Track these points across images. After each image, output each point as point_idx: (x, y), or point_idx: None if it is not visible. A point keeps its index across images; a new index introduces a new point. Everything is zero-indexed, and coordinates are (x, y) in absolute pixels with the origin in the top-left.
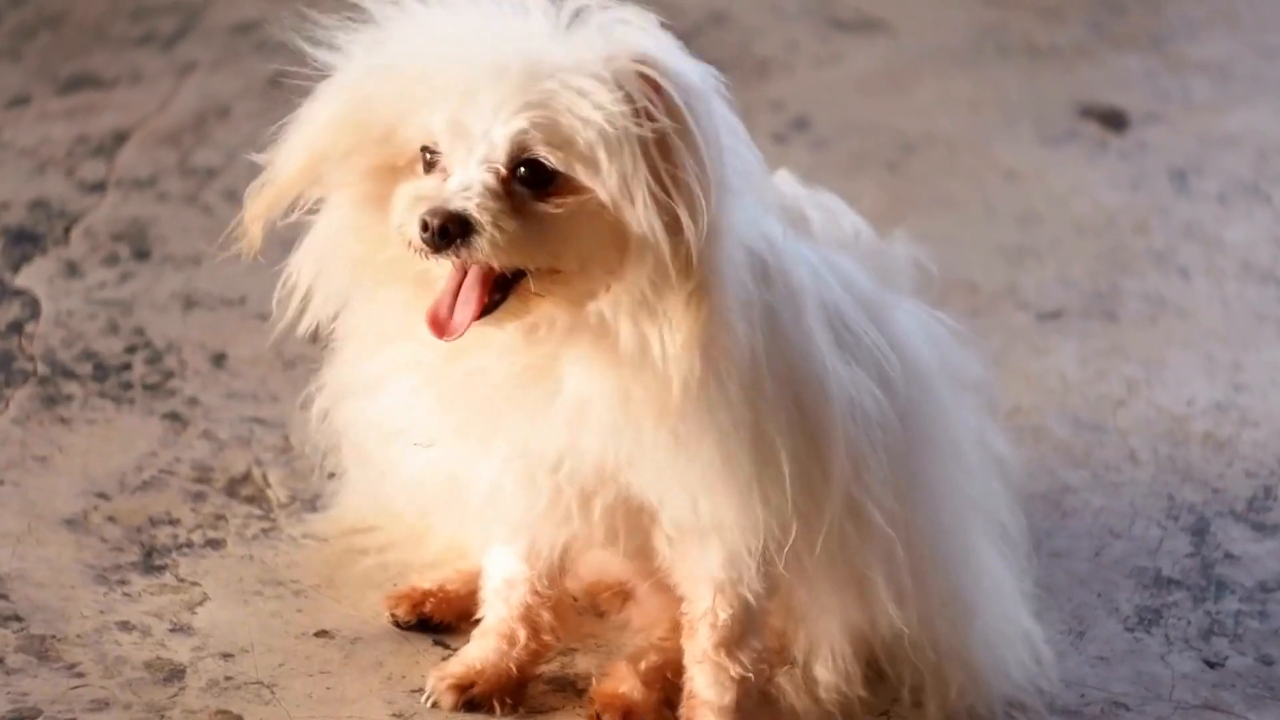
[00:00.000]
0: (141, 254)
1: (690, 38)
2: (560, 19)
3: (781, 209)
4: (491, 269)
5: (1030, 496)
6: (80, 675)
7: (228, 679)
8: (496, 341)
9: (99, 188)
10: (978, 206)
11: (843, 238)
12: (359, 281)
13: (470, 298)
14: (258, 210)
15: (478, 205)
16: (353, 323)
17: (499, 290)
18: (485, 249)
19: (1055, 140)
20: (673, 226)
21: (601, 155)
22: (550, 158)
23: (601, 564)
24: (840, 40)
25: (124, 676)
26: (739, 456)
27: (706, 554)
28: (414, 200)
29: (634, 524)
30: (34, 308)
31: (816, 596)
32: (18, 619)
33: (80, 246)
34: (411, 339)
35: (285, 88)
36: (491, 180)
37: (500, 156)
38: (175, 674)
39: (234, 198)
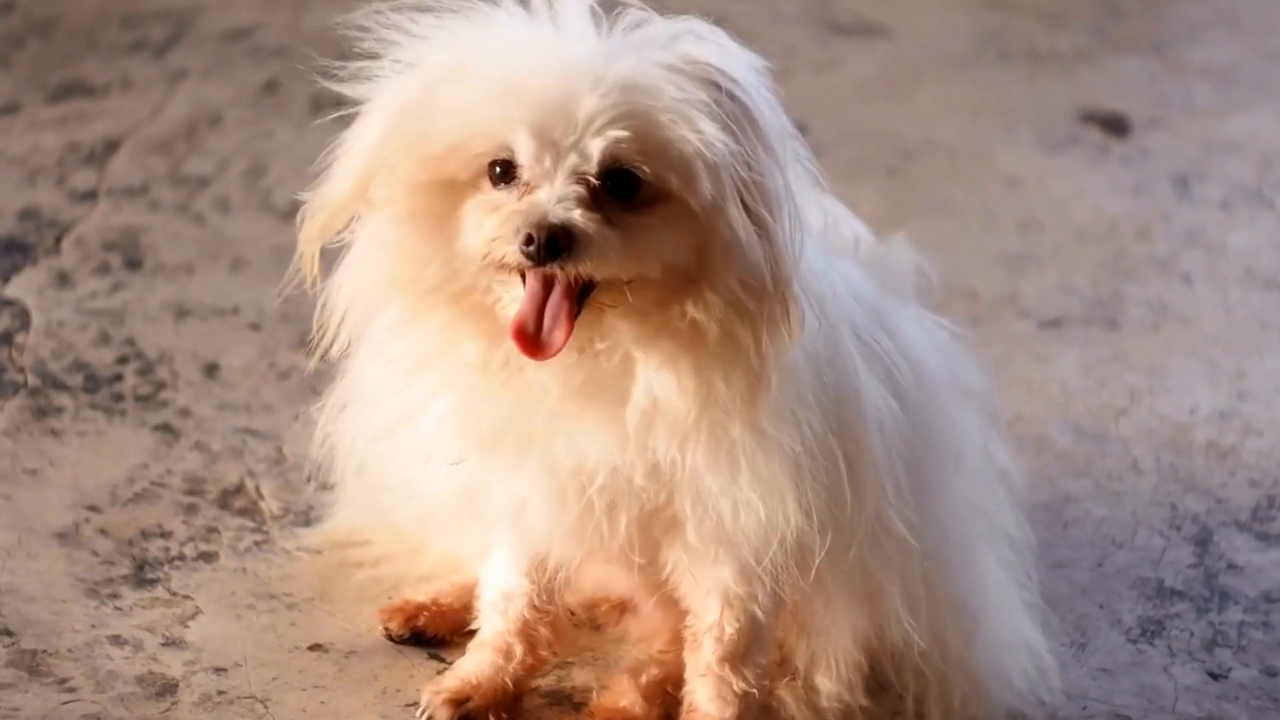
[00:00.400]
0: (133, 263)
1: None
2: (624, 30)
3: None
4: (575, 281)
5: (1032, 506)
6: (71, 690)
7: (220, 693)
8: (555, 358)
9: (90, 197)
10: (978, 213)
11: (843, 244)
12: (398, 302)
13: (560, 312)
14: (313, 233)
15: (579, 217)
16: (390, 350)
17: (576, 303)
18: (593, 260)
19: (1056, 146)
20: (761, 233)
21: (699, 166)
22: (646, 168)
23: (605, 578)
24: (839, 45)
25: (116, 691)
26: (793, 468)
27: (720, 567)
28: (509, 214)
29: (649, 537)
30: (24, 318)
31: (831, 609)
32: (8, 633)
33: (71, 256)
34: (451, 361)
35: (279, 95)
36: (583, 192)
37: (592, 168)
38: (168, 689)
39: (226, 207)
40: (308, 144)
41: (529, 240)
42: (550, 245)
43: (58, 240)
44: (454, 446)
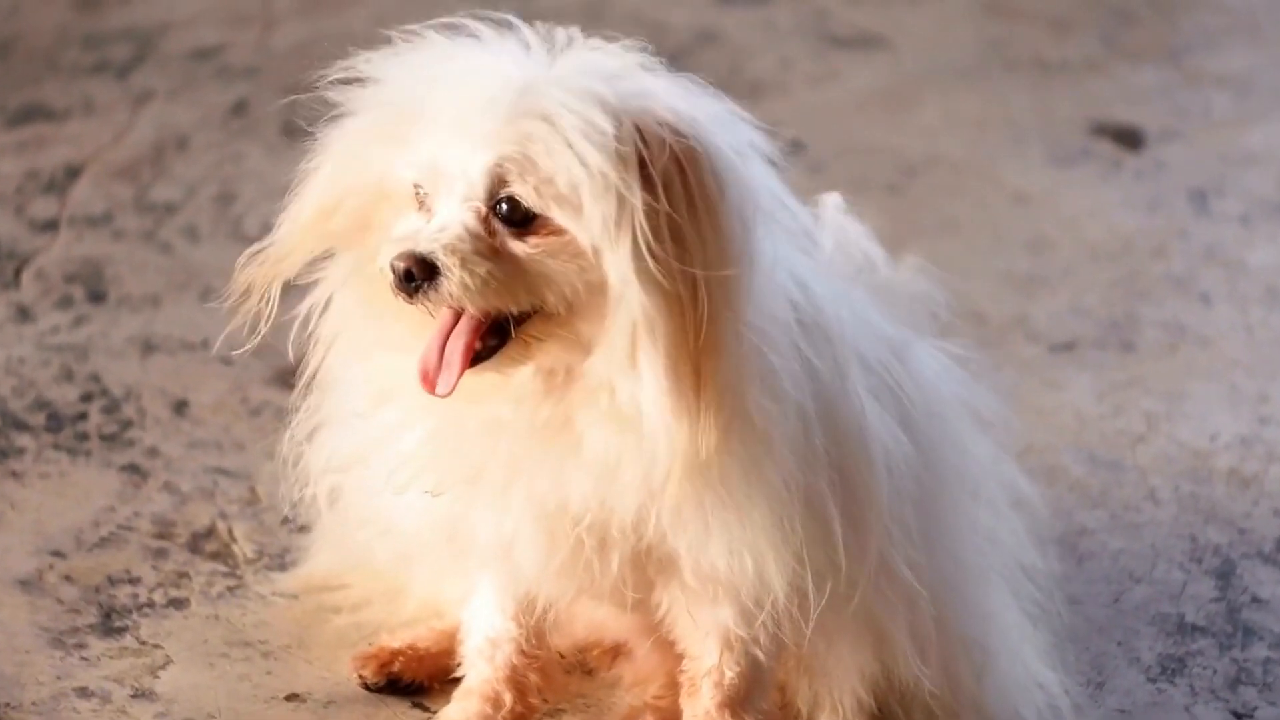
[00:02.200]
0: (96, 296)
1: (678, 58)
2: (556, 56)
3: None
4: (488, 313)
5: (1045, 539)
6: None
7: None
8: (514, 389)
9: (51, 226)
10: (985, 231)
11: (856, 267)
12: (364, 331)
13: (456, 347)
14: (257, 276)
15: (445, 246)
16: (354, 377)
17: (495, 335)
18: (454, 292)
19: (1066, 160)
20: (685, 286)
21: (584, 197)
22: (525, 196)
23: (597, 621)
24: (837, 58)
25: None
26: (789, 515)
27: (719, 608)
28: (392, 242)
29: (642, 577)
30: None
31: (834, 650)
32: None
33: (31, 289)
34: (415, 387)
35: (249, 116)
36: (471, 219)
37: (479, 193)
38: None
39: (194, 235)
40: (279, 168)
41: (394, 270)
42: (407, 275)
43: (17, 272)
44: (428, 477)
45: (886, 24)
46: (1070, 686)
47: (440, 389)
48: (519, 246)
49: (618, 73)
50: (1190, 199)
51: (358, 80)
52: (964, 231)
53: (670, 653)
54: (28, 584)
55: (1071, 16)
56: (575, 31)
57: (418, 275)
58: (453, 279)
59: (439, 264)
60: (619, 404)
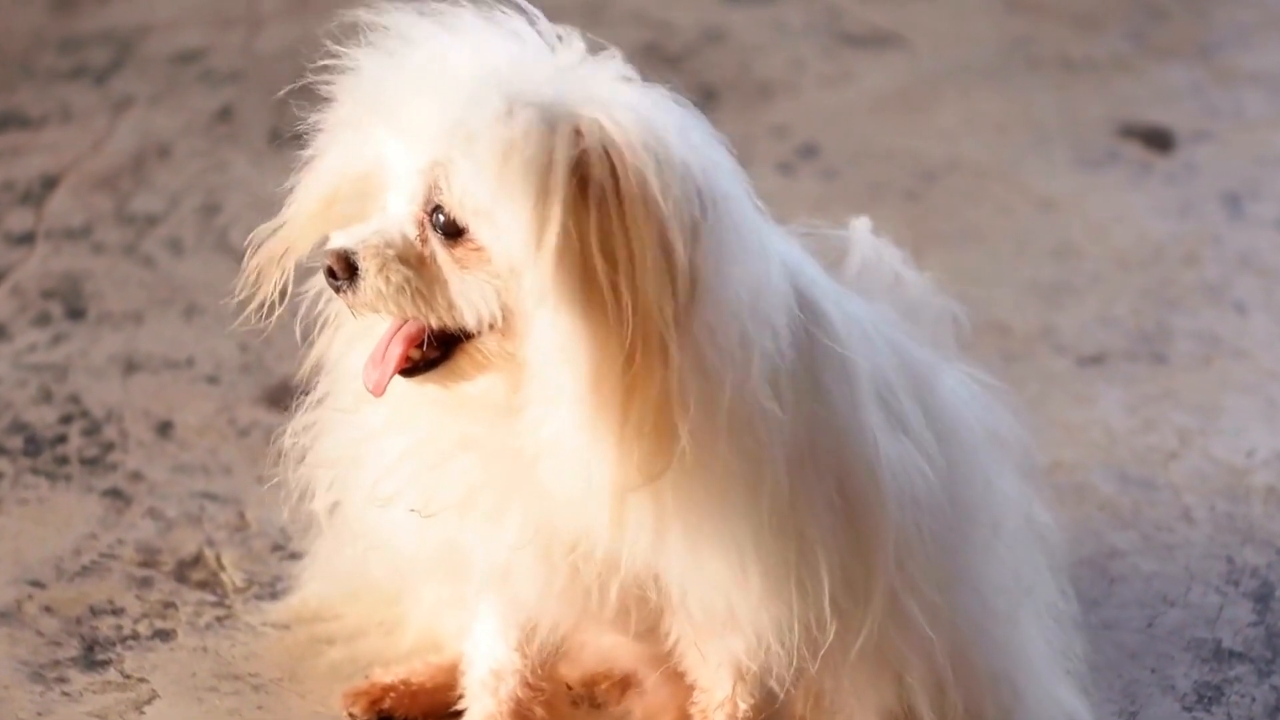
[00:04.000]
0: (76, 313)
1: (684, 58)
2: (517, 53)
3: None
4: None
5: (1074, 562)
6: None
7: None
8: (489, 407)
9: (27, 239)
10: (1008, 239)
11: (882, 284)
12: (357, 320)
13: (392, 353)
14: (267, 260)
15: (367, 248)
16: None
17: (441, 346)
18: (367, 295)
19: (1093, 164)
20: (614, 308)
21: (500, 209)
22: (450, 206)
23: (606, 651)
24: (851, 57)
25: None
26: (778, 548)
27: (729, 640)
28: (335, 236)
29: (647, 605)
30: None
31: (850, 687)
32: None
33: (7, 306)
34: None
35: (234, 123)
36: (409, 222)
37: (418, 195)
38: None
39: (178, 248)
40: (266, 177)
41: (323, 265)
42: (329, 272)
43: None
44: (413, 494)
45: (903, 21)
46: (1102, 718)
47: (370, 386)
48: (444, 257)
49: (570, 76)
50: (1223, 203)
51: (340, 69)
52: (986, 239)
53: (681, 685)
54: (6, 615)
55: (1098, 12)
56: (569, 30)
57: (339, 274)
58: (367, 283)
59: (356, 262)
60: (553, 432)
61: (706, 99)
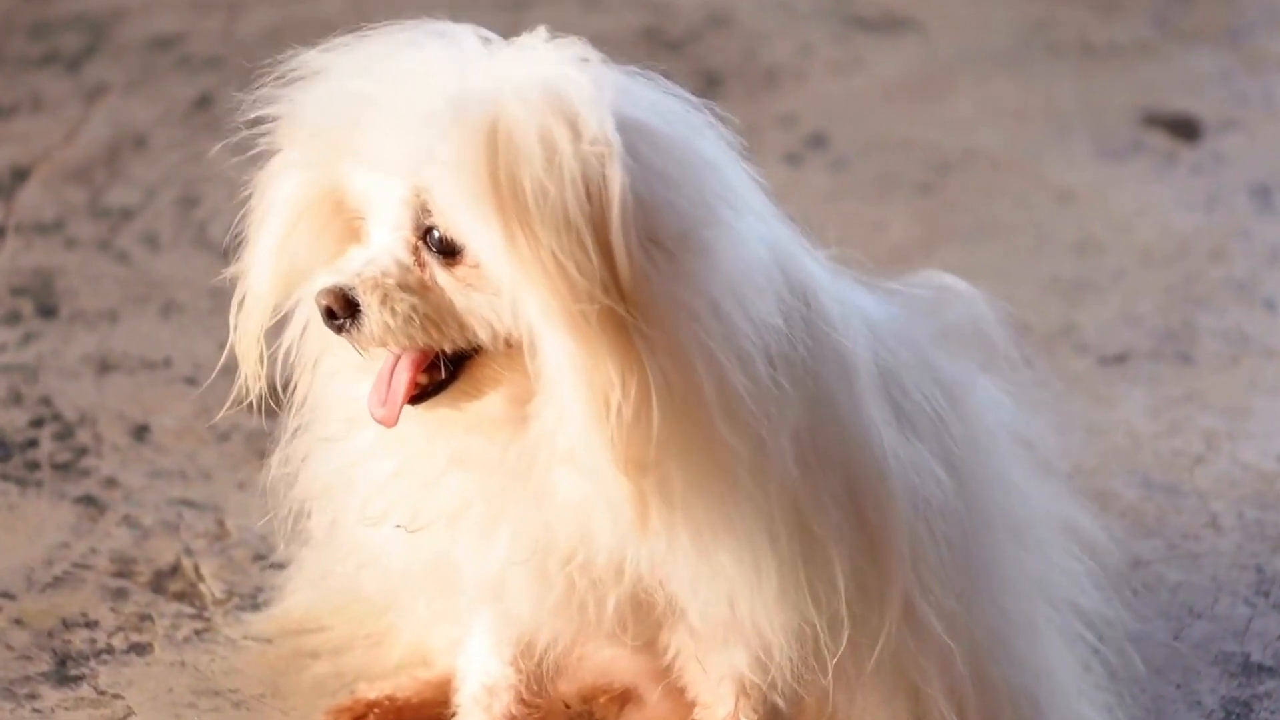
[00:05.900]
0: (47, 311)
1: (686, 42)
2: (493, 60)
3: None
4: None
5: (1108, 581)
6: None
7: None
8: (483, 422)
9: None
10: (1027, 233)
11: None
12: (340, 354)
13: (399, 382)
14: (248, 328)
15: (365, 282)
16: (332, 400)
17: (449, 366)
18: (374, 330)
19: (1116, 154)
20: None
21: (481, 217)
22: (443, 225)
23: (604, 665)
24: (862, 42)
25: None
26: (787, 554)
27: (731, 652)
28: (323, 274)
29: (645, 618)
30: None
31: (861, 702)
32: None
33: None
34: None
35: (213, 112)
36: (401, 249)
37: (406, 222)
38: None
39: (154, 242)
40: (247, 169)
41: (318, 307)
42: (328, 313)
43: None
44: (402, 511)
45: (916, 5)
46: None
47: (380, 419)
48: (445, 279)
49: (550, 79)
50: (1252, 195)
51: (297, 79)
52: (1003, 233)
53: (682, 700)
54: None
55: None
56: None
57: (339, 313)
58: (373, 318)
59: (359, 301)
60: (569, 446)
61: (710, 86)
